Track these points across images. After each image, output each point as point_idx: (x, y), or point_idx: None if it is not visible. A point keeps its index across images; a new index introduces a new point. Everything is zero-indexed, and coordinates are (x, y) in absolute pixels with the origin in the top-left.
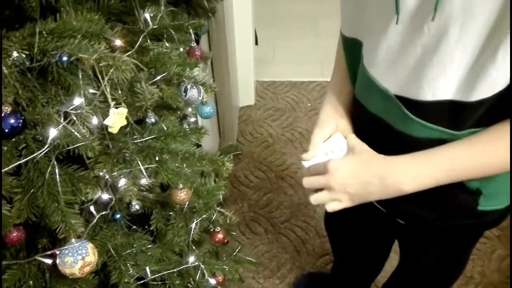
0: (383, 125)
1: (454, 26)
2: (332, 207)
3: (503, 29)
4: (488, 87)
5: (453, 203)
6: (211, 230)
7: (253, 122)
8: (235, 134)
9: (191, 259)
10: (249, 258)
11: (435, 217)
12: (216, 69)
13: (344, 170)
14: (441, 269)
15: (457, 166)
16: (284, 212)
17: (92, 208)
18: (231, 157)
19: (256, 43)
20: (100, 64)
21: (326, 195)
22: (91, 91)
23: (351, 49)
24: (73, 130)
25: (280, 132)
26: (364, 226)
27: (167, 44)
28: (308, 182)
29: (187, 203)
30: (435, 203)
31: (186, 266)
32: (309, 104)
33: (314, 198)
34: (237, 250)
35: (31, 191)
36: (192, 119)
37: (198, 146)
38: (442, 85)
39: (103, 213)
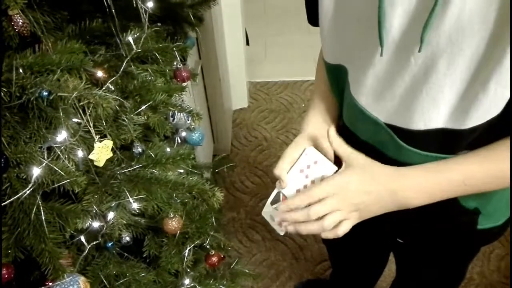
0: (375, 153)
1: (441, 57)
2: (344, 229)
3: (494, 60)
4: (480, 115)
5: (452, 224)
6: (207, 247)
7: (247, 125)
8: (229, 139)
9: (187, 281)
10: (247, 270)
11: (434, 238)
12: (206, 76)
13: (353, 188)
14: (440, 282)
15: (469, 181)
16: None
17: (82, 238)
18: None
19: (247, 43)
20: (81, 103)
21: (338, 215)
22: (75, 120)
23: (336, 75)
24: (57, 169)
25: (274, 135)
26: (362, 240)
27: (151, 71)
28: (314, 211)
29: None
30: (434, 224)
31: None
32: (303, 105)
33: (327, 223)
34: (234, 263)
35: (18, 230)
36: (183, 134)
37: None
38: (433, 115)
39: (94, 242)
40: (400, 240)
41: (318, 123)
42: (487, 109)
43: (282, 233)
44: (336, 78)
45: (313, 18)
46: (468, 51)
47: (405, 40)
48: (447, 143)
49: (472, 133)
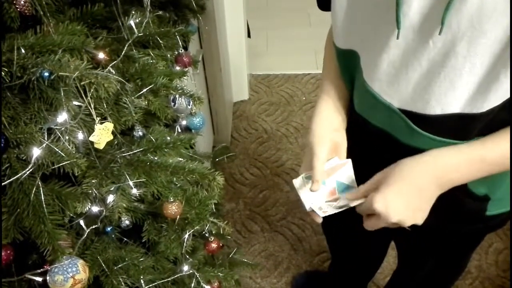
0: (388, 139)
1: (462, 41)
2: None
3: None
4: (499, 97)
5: (462, 210)
6: (206, 235)
7: (248, 117)
8: (229, 130)
9: (185, 267)
10: (246, 260)
11: (443, 224)
12: (208, 66)
13: (397, 209)
14: (442, 271)
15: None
16: (280, 210)
17: (82, 222)
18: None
19: (249, 35)
20: (82, 83)
21: (382, 223)
22: (76, 103)
23: (347, 60)
24: (57, 150)
25: (275, 127)
26: (362, 228)
27: (153, 55)
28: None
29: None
30: (443, 211)
31: (181, 274)
32: (304, 98)
33: (371, 226)
34: (232, 253)
35: (17, 211)
36: (184, 122)
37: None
38: (451, 99)
39: (94, 226)
40: (407, 227)
41: (330, 113)
42: (505, 91)
43: (307, 208)
44: (347, 64)
45: (323, 2)
46: (490, 35)
47: (424, 22)
48: (462, 127)
49: (487, 116)
